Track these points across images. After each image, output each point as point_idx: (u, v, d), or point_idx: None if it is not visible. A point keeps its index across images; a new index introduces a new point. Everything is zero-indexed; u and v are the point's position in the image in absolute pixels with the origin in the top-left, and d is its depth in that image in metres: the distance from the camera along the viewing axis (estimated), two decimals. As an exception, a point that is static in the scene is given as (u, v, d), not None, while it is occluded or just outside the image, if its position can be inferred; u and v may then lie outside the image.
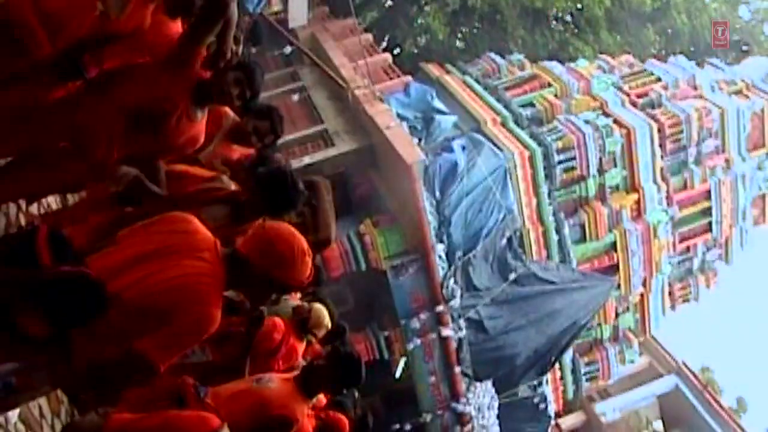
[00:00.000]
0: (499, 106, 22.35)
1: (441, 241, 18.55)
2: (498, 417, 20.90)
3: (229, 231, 4.37)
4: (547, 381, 21.93)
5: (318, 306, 7.45)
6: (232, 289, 3.76)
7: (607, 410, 30.64)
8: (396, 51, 31.29)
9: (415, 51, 31.98)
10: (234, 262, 3.56)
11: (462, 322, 19.29)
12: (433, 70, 25.57)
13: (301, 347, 7.19)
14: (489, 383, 20.32)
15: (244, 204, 4.69)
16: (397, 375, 19.90)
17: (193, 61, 4.69)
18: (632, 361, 25.72)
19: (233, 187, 5.10)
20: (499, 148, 19.82)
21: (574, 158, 20.81)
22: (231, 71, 4.86)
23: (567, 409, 27.19)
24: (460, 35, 32.39)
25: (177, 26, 5.25)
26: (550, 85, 23.23)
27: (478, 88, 23.63)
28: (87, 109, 4.65)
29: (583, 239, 21.96)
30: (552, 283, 20.38)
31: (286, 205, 4.80)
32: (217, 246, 3.61)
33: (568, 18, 31.66)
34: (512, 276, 19.77)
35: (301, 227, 5.00)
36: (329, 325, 7.29)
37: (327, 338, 8.27)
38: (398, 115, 19.83)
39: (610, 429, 29.90)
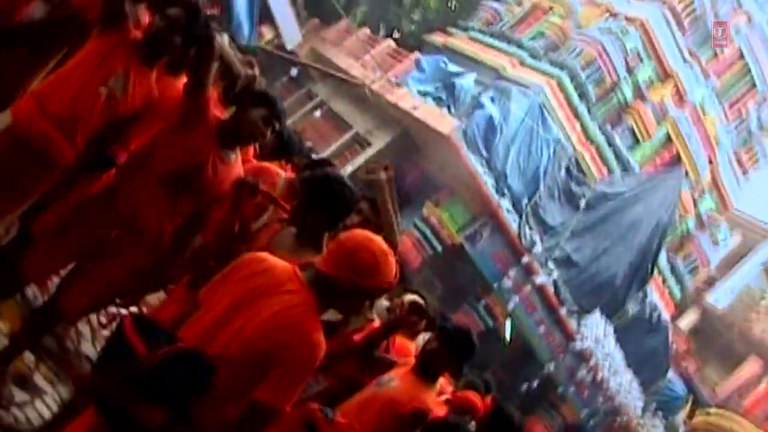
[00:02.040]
0: (511, 48, 22.36)
1: (503, 196, 18.52)
2: (617, 341, 20.85)
3: (304, 251, 4.39)
4: (651, 290, 21.79)
5: (410, 297, 7.41)
6: (326, 310, 3.72)
7: (720, 297, 30.32)
8: (395, 35, 31.28)
9: (413, 28, 31.95)
10: (320, 284, 3.43)
11: (551, 265, 19.26)
12: (437, 38, 25.59)
13: (412, 344, 7.10)
14: (597, 313, 20.24)
15: (304, 220, 4.46)
16: (508, 337, 19.91)
17: (206, 109, 4.71)
18: (725, 241, 25.50)
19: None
20: (526, 87, 19.81)
21: (600, 69, 20.83)
22: (252, 109, 4.81)
23: (680, 310, 27.01)
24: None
25: (183, 81, 5.30)
26: (551, 9, 23.18)
27: (485, 38, 23.64)
28: (126, 192, 4.70)
29: (636, 143, 21.92)
30: (622, 195, 20.29)
31: (340, 206, 4.54)
32: (298, 273, 3.51)
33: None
34: (582, 203, 19.73)
35: (367, 225, 5.06)
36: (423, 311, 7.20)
37: (430, 325, 8.32)
38: (419, 93, 19.86)
39: (728, 315, 29.63)
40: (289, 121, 20.53)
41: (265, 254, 3.65)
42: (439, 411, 5.81)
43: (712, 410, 22.82)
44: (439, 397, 6.16)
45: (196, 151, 4.68)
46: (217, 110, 4.95)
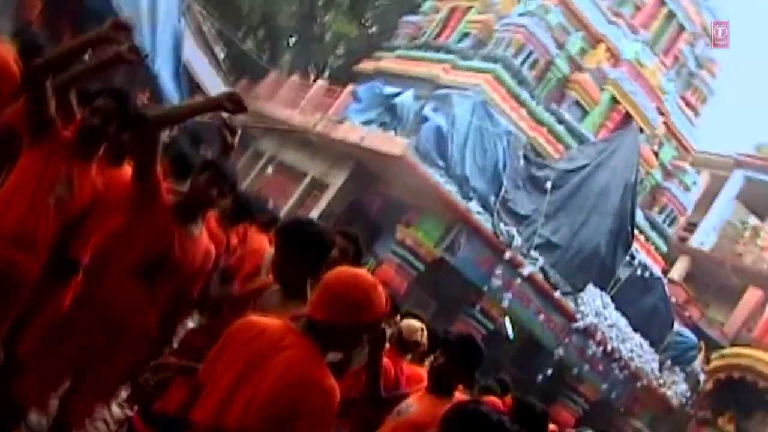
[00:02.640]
0: (440, 56, 22.65)
1: (470, 199, 18.61)
2: (617, 309, 20.97)
3: (292, 304, 4.32)
4: (637, 250, 21.95)
5: (404, 321, 7.42)
6: (328, 353, 3.66)
7: (703, 238, 30.65)
8: (325, 73, 31.60)
9: (341, 62, 32.32)
10: (316, 331, 3.37)
11: (534, 253, 19.36)
12: (367, 66, 25.82)
13: (423, 369, 7.02)
14: (591, 287, 20.37)
15: (286, 273, 4.35)
16: (511, 335, 19.94)
17: (158, 190, 4.68)
18: (695, 184, 25.76)
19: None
20: (465, 89, 19.99)
21: (531, 52, 21.10)
22: (198, 175, 4.82)
23: (669, 262, 27.22)
24: (367, 23, 32.79)
25: (128, 169, 5.29)
26: (469, 8, 23.48)
27: (413, 53, 23.92)
28: (102, 295, 4.66)
29: (584, 113, 22.17)
30: (584, 167, 20.47)
31: (317, 249, 4.40)
32: (292, 326, 3.45)
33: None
34: (548, 185, 19.84)
35: (345, 258, 5.07)
36: (423, 328, 7.15)
37: (433, 343, 8.39)
38: (363, 123, 20.03)
39: (716, 254, 29.87)
40: (243, 185, 20.66)
41: (254, 317, 3.61)
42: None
43: (726, 350, 22.93)
44: None
45: (159, 233, 4.66)
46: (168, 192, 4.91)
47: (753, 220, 30.96)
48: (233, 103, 4.59)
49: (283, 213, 20.74)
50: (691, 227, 30.70)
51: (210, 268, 4.91)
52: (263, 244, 7.39)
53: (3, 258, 4.46)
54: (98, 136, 4.64)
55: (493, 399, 7.43)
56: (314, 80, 27.18)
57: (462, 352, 5.18)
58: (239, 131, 5.49)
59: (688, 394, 22.55)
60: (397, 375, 6.46)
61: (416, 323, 6.99)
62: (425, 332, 6.78)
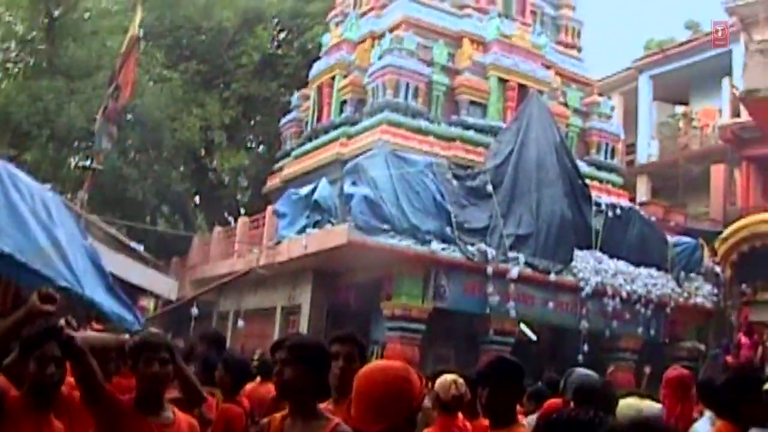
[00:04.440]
0: (330, 135, 22.94)
1: (429, 242, 18.66)
2: (612, 257, 21.07)
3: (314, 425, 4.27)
4: (598, 196, 22.14)
5: (436, 384, 7.29)
6: None
7: (647, 151, 31.07)
8: (242, 211, 31.81)
9: (250, 192, 32.66)
10: None
11: (511, 254, 19.42)
12: (274, 182, 26.07)
13: (480, 420, 6.89)
14: (577, 252, 20.45)
15: (299, 403, 4.20)
16: (533, 336, 19.89)
17: (111, 400, 4.51)
18: (613, 108, 26.14)
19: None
20: (368, 150, 20.12)
21: (407, 84, 21.33)
22: (142, 365, 4.65)
23: (631, 188, 27.48)
24: (252, 145, 33.26)
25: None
26: (333, 77, 23.79)
27: (306, 147, 24.17)
28: None
29: (484, 108, 22.37)
30: (509, 153, 20.65)
31: (319, 365, 4.27)
32: None
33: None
34: (489, 188, 19.99)
35: (352, 363, 4.98)
36: (455, 379, 7.00)
37: (473, 386, 8.43)
38: (299, 233, 20.09)
39: (665, 157, 30.23)
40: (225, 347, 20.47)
41: None
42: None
43: (725, 233, 23.08)
44: None
45: None
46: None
47: (679, 109, 31.41)
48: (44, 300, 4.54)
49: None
50: (631, 148, 31.05)
51: None
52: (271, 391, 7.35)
53: None
54: (56, 384, 4.63)
55: (553, 401, 7.35)
56: (235, 222, 27.25)
57: (498, 375, 5.03)
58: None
59: (716, 291, 22.64)
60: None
61: (446, 378, 6.88)
62: (459, 381, 6.60)
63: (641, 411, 7.21)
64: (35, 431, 4.49)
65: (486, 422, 5.75)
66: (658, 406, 7.06)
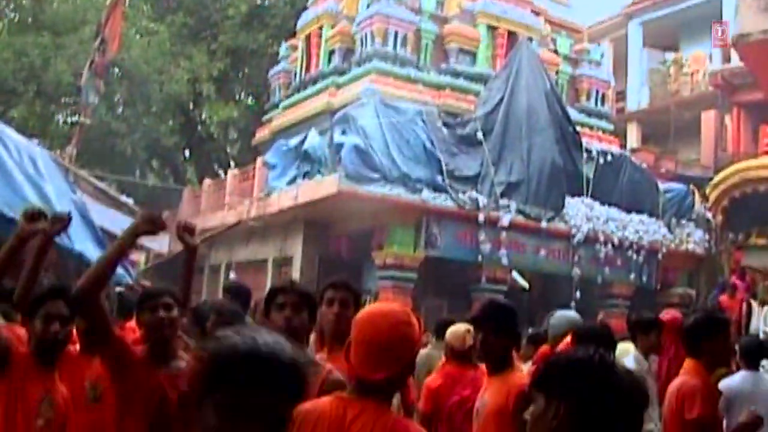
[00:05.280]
0: (319, 85, 22.78)
1: (420, 191, 18.60)
2: (603, 203, 21.05)
3: None
4: (589, 143, 22.07)
5: (448, 334, 7.18)
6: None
7: (638, 98, 30.97)
8: (231, 163, 31.70)
9: (239, 144, 32.50)
10: (372, 389, 3.14)
11: (502, 201, 19.37)
12: (263, 133, 25.86)
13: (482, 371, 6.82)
14: (568, 199, 20.43)
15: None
16: (525, 284, 19.88)
17: (123, 346, 4.49)
18: (602, 55, 26.05)
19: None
20: (357, 99, 20.00)
21: (396, 32, 21.16)
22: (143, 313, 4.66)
23: (622, 135, 27.48)
24: (240, 96, 33.01)
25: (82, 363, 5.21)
26: (321, 27, 23.59)
27: (295, 97, 24.00)
28: None
29: (473, 56, 22.24)
30: (500, 100, 20.54)
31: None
32: (342, 397, 3.21)
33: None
34: (479, 135, 19.91)
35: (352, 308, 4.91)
36: (468, 329, 6.89)
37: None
38: (289, 183, 20.05)
39: (656, 104, 30.13)
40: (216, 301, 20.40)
41: (298, 409, 3.32)
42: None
43: (716, 178, 23.05)
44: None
45: (148, 389, 4.47)
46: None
47: (669, 56, 31.25)
48: (149, 223, 4.39)
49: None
50: (621, 95, 30.91)
51: None
52: None
53: None
54: (61, 343, 4.58)
55: (546, 347, 7.35)
56: (225, 175, 27.15)
57: (492, 320, 5.04)
58: (194, 225, 5.31)
59: (707, 236, 22.68)
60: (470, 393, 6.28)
61: (459, 327, 6.82)
62: (472, 331, 6.56)
63: (638, 355, 7.25)
64: (40, 390, 4.44)
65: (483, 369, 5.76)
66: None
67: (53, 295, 4.57)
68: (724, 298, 18.62)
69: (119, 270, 10.13)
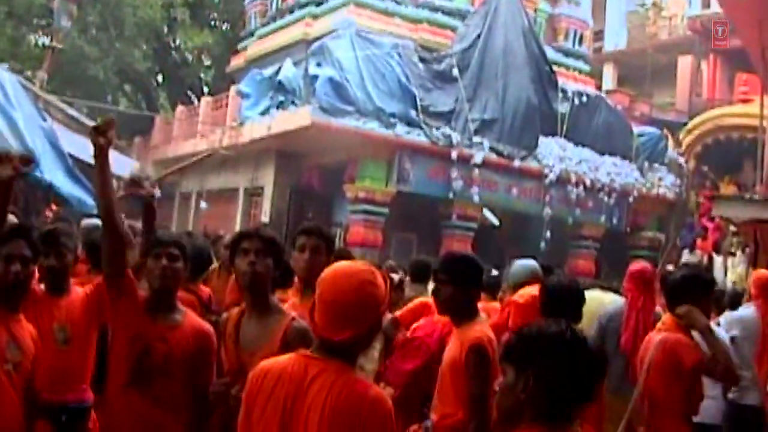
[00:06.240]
0: (297, 15, 22.65)
1: (394, 126, 18.50)
2: (576, 144, 21.09)
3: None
4: (564, 83, 21.97)
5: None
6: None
7: (615, 39, 30.90)
8: (205, 89, 31.42)
9: (213, 72, 32.20)
10: (336, 349, 3.10)
11: (476, 139, 19.34)
12: (238, 61, 25.68)
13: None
14: (542, 138, 20.44)
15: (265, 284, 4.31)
16: (496, 221, 19.86)
17: (130, 283, 4.48)
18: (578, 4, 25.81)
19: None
20: (333, 31, 19.80)
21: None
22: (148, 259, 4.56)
23: (598, 76, 27.44)
24: (216, 23, 32.63)
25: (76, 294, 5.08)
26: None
27: (271, 26, 23.89)
28: (112, 423, 4.52)
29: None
30: (477, 37, 20.38)
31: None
32: (305, 354, 3.16)
33: None
34: (455, 71, 19.79)
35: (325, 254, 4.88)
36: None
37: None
38: (262, 114, 19.93)
39: (633, 45, 30.08)
40: (186, 227, 20.47)
41: (261, 365, 3.25)
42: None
43: (690, 124, 23.15)
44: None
45: (137, 334, 4.43)
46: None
47: (649, -1, 31.18)
48: (97, 129, 4.45)
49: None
50: (599, 35, 30.80)
51: (214, 350, 4.57)
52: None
53: None
54: (22, 284, 4.45)
55: (508, 298, 7.29)
56: (198, 102, 26.90)
57: (454, 272, 4.96)
58: (147, 176, 5.28)
59: (679, 182, 22.80)
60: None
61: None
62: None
63: (605, 304, 7.30)
64: (3, 333, 4.31)
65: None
66: (621, 299, 7.14)
67: (14, 235, 4.48)
68: (699, 242, 18.85)
69: (88, 200, 10.04)
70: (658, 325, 5.57)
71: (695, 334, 5.26)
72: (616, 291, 8.85)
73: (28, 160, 4.75)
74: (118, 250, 4.49)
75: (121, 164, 21.32)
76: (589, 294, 8.15)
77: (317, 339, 3.18)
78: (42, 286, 4.99)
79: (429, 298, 7.13)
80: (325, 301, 3.13)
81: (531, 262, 7.36)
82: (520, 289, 6.54)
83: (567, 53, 24.00)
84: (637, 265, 7.18)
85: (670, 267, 18.98)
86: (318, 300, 3.15)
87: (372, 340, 3.31)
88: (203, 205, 21.93)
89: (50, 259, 4.89)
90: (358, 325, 3.09)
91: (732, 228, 17.79)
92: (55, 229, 5.21)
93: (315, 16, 21.79)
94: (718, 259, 18.53)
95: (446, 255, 5.54)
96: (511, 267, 7.19)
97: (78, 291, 4.96)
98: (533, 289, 5.92)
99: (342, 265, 3.25)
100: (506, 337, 5.11)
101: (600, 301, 7.69)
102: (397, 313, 6.83)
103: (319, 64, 18.77)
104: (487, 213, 19.52)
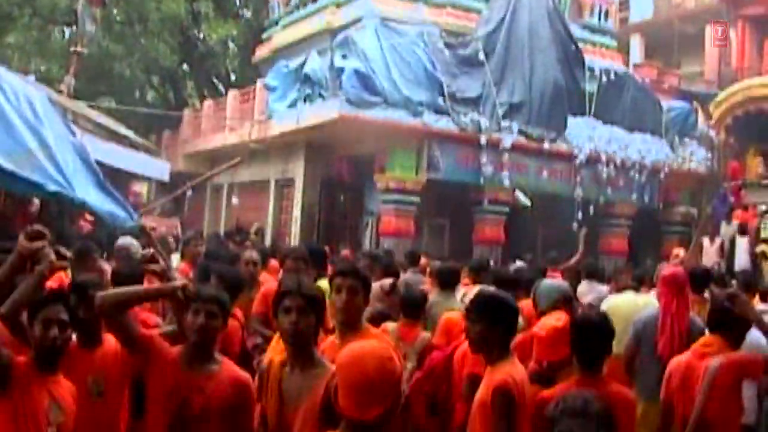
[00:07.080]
0: (319, 4, 22.54)
1: (421, 114, 18.46)
2: (605, 123, 20.96)
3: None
4: (591, 61, 21.79)
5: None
6: None
7: (641, 10, 30.57)
8: (232, 80, 31.50)
9: (238, 61, 32.25)
10: (367, 427, 3.19)
11: (504, 123, 19.26)
12: (263, 52, 25.68)
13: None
14: (570, 119, 20.33)
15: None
16: (527, 202, 19.74)
17: (149, 347, 4.55)
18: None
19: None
20: (358, 20, 19.84)
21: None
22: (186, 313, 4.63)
23: (625, 50, 27.21)
24: (240, 13, 32.63)
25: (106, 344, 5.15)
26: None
27: (295, 15, 23.85)
28: None
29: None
30: (501, 20, 20.21)
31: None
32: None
33: None
34: (481, 56, 19.69)
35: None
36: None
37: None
38: (290, 107, 19.98)
39: (660, 15, 29.78)
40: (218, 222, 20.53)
41: None
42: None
43: (720, 96, 22.92)
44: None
45: (173, 389, 4.49)
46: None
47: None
48: (185, 294, 4.61)
49: (267, 224, 20.83)
50: (624, 7, 30.53)
51: (253, 398, 4.62)
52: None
53: None
54: (60, 348, 4.52)
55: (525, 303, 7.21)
56: (226, 92, 26.99)
57: (488, 312, 4.94)
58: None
59: (710, 155, 22.66)
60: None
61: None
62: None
63: (639, 308, 7.30)
64: (46, 397, 4.39)
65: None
66: (655, 302, 7.13)
67: (52, 299, 4.57)
68: (738, 213, 18.91)
69: (120, 213, 10.12)
70: (701, 346, 5.66)
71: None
72: (650, 280, 8.89)
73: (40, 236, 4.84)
74: (128, 337, 4.59)
75: (152, 167, 21.60)
76: (621, 297, 8.18)
77: (345, 420, 3.25)
78: (74, 338, 4.96)
79: (456, 313, 7.19)
80: (348, 385, 3.21)
81: (559, 284, 7.33)
82: (551, 312, 6.38)
83: (593, 30, 23.79)
84: (669, 270, 7.19)
85: (705, 240, 19.15)
86: (340, 383, 3.25)
87: (396, 411, 3.37)
88: (235, 200, 22.14)
89: (80, 312, 4.86)
90: (385, 401, 3.19)
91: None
92: (84, 281, 5.22)
93: (338, 5, 21.73)
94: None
95: (478, 294, 5.53)
96: (539, 288, 7.07)
97: (111, 341, 4.96)
98: (553, 320, 5.84)
99: (357, 346, 3.38)
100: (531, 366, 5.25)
101: (634, 305, 7.72)
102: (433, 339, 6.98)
103: (344, 56, 18.74)
104: (518, 193, 19.45)
